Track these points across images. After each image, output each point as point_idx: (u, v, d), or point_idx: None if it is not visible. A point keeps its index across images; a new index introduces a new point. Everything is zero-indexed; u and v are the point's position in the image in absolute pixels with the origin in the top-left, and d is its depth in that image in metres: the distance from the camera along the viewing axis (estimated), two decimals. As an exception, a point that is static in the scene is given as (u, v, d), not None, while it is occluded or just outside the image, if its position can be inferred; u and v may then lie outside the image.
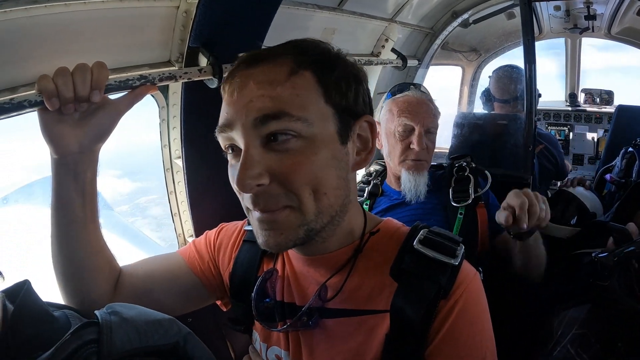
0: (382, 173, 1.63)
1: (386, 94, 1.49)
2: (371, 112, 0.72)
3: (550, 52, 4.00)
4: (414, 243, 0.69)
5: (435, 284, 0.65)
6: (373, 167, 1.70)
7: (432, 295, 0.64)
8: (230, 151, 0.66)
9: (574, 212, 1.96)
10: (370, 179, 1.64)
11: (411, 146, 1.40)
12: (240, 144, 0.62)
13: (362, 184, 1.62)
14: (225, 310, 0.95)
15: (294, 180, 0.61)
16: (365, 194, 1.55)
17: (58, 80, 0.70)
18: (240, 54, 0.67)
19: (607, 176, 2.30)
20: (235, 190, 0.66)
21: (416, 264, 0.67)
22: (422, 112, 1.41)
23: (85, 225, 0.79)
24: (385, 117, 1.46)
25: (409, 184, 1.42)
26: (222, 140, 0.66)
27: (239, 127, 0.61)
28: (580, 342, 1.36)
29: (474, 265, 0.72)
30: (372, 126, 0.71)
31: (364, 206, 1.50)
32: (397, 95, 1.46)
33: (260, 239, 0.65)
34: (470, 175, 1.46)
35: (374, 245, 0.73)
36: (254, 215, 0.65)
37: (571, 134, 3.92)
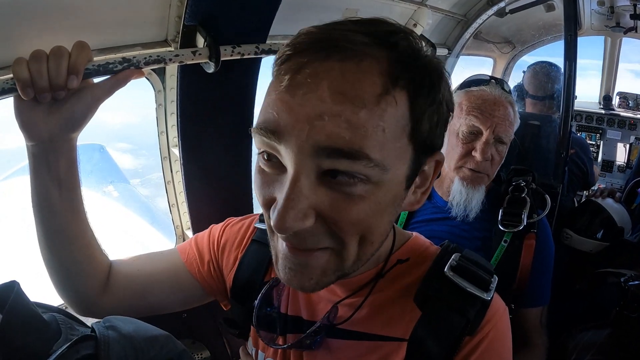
0: None
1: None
2: (441, 146, 0.58)
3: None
4: (445, 269, 0.63)
5: (464, 317, 0.60)
6: None
7: (459, 330, 0.59)
8: (266, 158, 0.50)
9: (601, 225, 1.87)
10: None
11: (473, 153, 1.16)
12: (288, 165, 0.47)
13: None
14: (225, 310, 0.88)
15: (345, 226, 0.49)
16: None
17: (32, 66, 0.64)
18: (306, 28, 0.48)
19: (640, 190, 2.17)
20: (259, 204, 0.53)
21: (445, 292, 0.61)
22: (497, 115, 1.16)
23: (64, 217, 0.74)
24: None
25: (460, 197, 1.20)
26: (258, 141, 0.50)
27: (292, 145, 0.46)
28: (596, 369, 1.26)
29: (506, 302, 0.67)
30: (438, 165, 0.58)
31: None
32: (473, 88, 1.21)
33: (281, 274, 0.54)
34: (528, 198, 1.24)
35: (399, 268, 0.66)
36: (280, 244, 0.53)
37: (602, 139, 3.73)
